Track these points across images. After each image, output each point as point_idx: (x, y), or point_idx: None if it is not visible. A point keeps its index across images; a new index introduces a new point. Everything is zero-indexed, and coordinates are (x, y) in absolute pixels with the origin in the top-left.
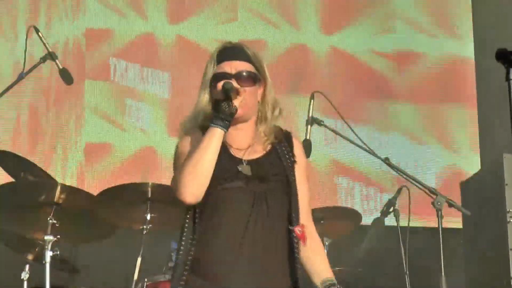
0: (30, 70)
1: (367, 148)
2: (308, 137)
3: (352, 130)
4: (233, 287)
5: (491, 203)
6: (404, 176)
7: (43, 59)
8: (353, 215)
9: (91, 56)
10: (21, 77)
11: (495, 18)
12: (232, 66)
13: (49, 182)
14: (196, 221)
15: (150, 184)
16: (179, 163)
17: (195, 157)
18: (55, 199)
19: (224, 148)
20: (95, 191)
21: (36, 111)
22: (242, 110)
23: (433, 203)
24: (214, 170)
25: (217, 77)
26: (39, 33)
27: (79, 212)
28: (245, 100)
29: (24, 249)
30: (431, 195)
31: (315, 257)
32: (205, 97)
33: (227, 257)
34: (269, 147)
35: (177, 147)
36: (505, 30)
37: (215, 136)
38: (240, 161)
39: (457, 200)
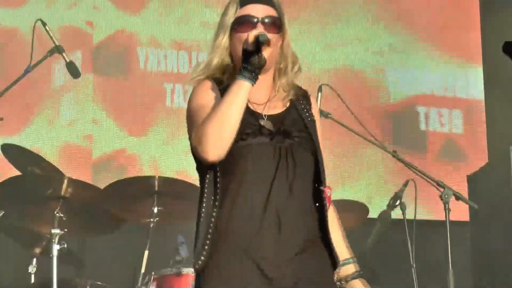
0: (37, 64)
1: (375, 141)
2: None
3: (360, 123)
4: (264, 260)
5: (498, 196)
6: (412, 169)
7: (50, 53)
8: (360, 208)
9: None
10: (27, 70)
11: None
12: (258, 10)
13: (56, 175)
14: (218, 181)
15: (157, 177)
16: (198, 116)
17: (220, 112)
18: (62, 193)
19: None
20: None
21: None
22: (268, 61)
23: (440, 196)
24: None
25: (242, 20)
26: (46, 27)
27: (86, 205)
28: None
29: (31, 243)
30: (438, 188)
31: (332, 229)
32: (223, 41)
33: (253, 223)
34: (288, 103)
35: (191, 99)
36: None
37: (242, 89)
38: (260, 115)
39: (464, 193)
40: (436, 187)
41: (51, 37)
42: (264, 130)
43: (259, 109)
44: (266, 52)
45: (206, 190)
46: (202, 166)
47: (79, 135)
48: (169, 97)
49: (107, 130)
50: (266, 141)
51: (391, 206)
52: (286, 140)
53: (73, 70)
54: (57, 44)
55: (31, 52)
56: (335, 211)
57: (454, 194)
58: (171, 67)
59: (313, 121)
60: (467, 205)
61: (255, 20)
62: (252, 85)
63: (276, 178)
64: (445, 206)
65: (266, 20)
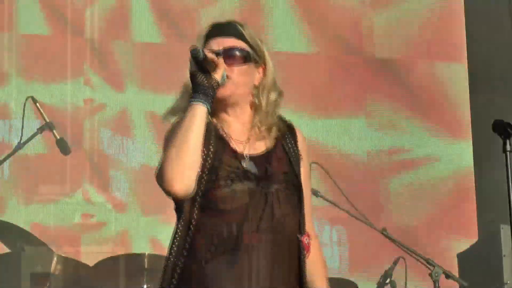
0: (28, 140)
1: (364, 219)
2: None
3: (348, 200)
4: None
5: (488, 274)
6: (402, 247)
7: (41, 129)
8: (349, 286)
9: None
10: (18, 147)
11: None
12: (220, 43)
13: (45, 253)
14: (191, 226)
15: (146, 254)
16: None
17: (177, 141)
18: (52, 270)
19: (224, 141)
20: None
21: None
22: (229, 89)
23: (430, 274)
24: (218, 168)
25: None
26: (37, 104)
27: (75, 282)
28: (232, 79)
29: None
30: (428, 266)
31: (314, 271)
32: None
33: (230, 271)
34: (273, 141)
35: (166, 133)
36: None
37: (197, 113)
38: (241, 156)
39: (454, 271)
40: (426, 265)
41: (41, 114)
42: (249, 175)
43: (240, 148)
44: (217, 74)
45: (178, 233)
46: (178, 206)
47: None
48: None
49: None
50: (252, 187)
51: (381, 284)
52: (272, 185)
53: (63, 146)
54: (48, 121)
55: (21, 129)
56: (320, 258)
57: (444, 272)
58: None
59: (299, 159)
60: (458, 284)
61: (215, 53)
62: (207, 108)
63: (261, 226)
64: (435, 284)
65: (229, 52)
